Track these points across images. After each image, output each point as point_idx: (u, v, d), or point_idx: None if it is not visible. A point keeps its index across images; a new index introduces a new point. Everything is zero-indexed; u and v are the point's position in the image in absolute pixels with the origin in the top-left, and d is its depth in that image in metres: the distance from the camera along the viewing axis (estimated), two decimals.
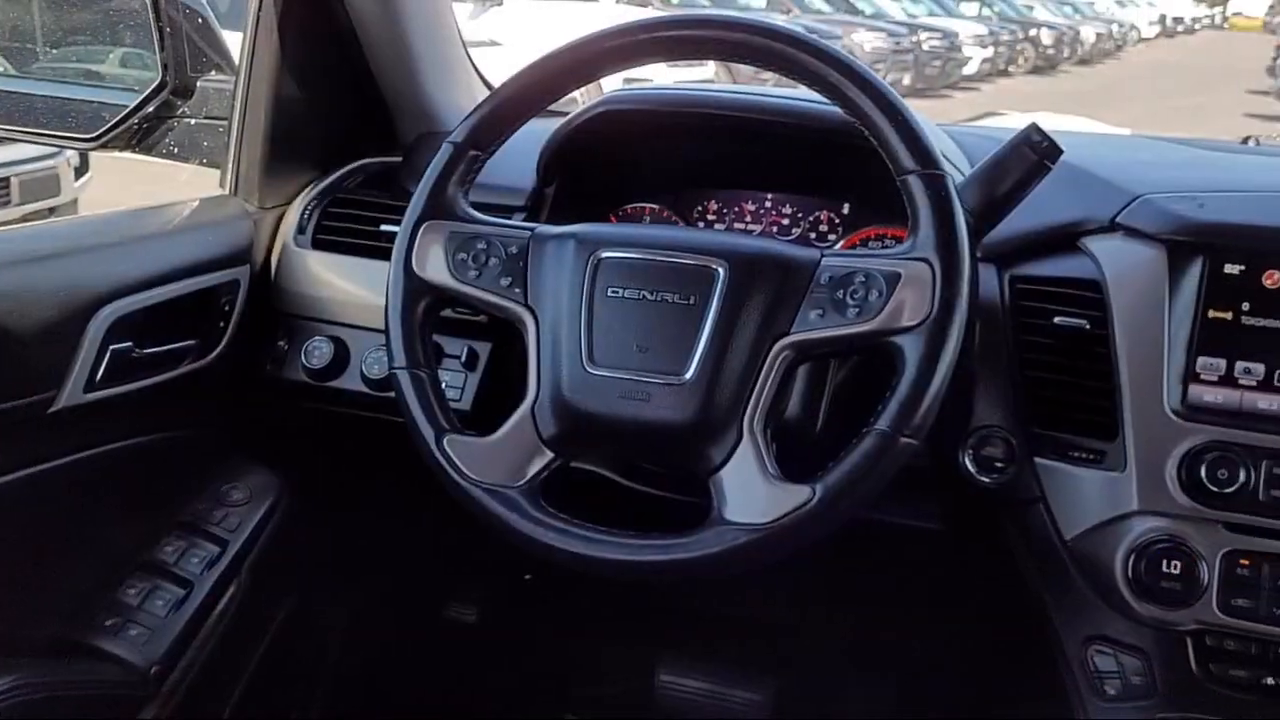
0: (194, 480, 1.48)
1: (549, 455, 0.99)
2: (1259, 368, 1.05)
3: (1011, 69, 16.71)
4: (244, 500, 1.48)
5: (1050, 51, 17.90)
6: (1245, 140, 1.48)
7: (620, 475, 1.31)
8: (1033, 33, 17.54)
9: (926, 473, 1.16)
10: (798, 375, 1.09)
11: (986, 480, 1.13)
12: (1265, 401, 1.05)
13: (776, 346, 0.96)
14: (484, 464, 0.99)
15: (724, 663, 1.76)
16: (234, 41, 1.50)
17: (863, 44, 12.57)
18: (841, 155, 1.12)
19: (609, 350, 0.99)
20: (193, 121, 1.60)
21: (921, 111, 1.09)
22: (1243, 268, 1.05)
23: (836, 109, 1.01)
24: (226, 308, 1.36)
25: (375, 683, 1.70)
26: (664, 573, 0.95)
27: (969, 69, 14.80)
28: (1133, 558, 1.04)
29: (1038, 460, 1.12)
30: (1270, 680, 1.02)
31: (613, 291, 1.00)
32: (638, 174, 1.39)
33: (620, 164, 1.35)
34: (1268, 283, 1.05)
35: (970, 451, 1.14)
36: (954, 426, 1.14)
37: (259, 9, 1.38)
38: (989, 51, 15.51)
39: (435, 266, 1.05)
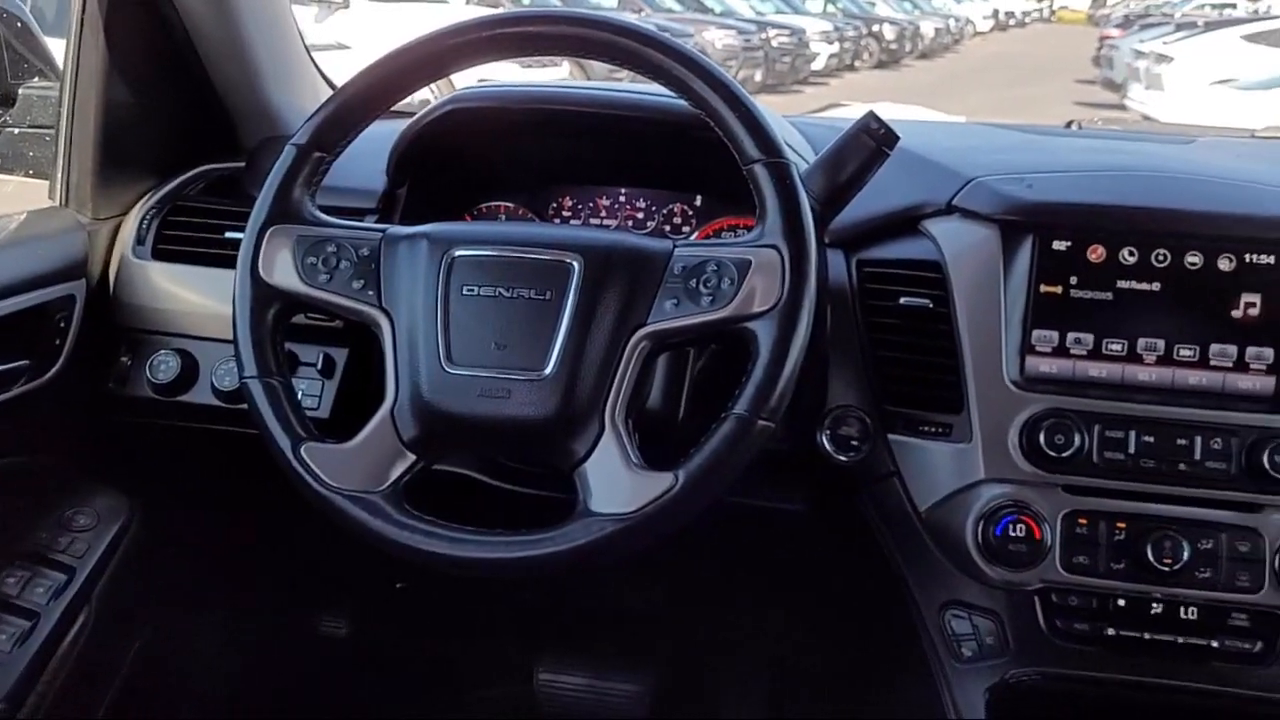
0: (36, 507, 1.41)
1: (411, 458, 0.98)
2: (1088, 337, 1.11)
3: (858, 64, 17.21)
4: (90, 525, 1.42)
5: (893, 46, 18.50)
6: (1069, 124, 1.56)
7: (486, 475, 1.30)
8: (876, 28, 18.08)
9: (788, 455, 1.19)
10: (658, 365, 1.10)
11: (844, 458, 1.16)
12: (1095, 369, 1.11)
13: (634, 337, 0.97)
14: (344, 470, 0.97)
15: (603, 657, 1.77)
16: (59, 48, 1.43)
17: (714, 42, 12.75)
18: (692, 148, 1.14)
19: (467, 349, 0.98)
20: (16, 131, 1.52)
21: (771, 106, 1.11)
22: (1069, 244, 1.11)
23: (684, 103, 1.03)
24: (62, 324, 1.30)
25: (243, 705, 1.65)
26: (533, 568, 0.95)
27: (817, 64, 15.18)
28: (982, 524, 1.09)
29: (891, 436, 1.16)
30: (1110, 631, 1.08)
31: (468, 290, 0.99)
32: (491, 173, 1.38)
33: (473, 163, 1.34)
34: (1092, 257, 1.11)
35: (828, 431, 1.17)
36: (811, 408, 1.17)
37: (83, 10, 1.32)
38: (835, 47, 15.94)
39: (284, 271, 1.02)
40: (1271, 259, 1.08)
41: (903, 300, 1.15)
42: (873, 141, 1.04)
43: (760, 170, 0.98)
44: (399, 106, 1.10)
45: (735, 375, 0.95)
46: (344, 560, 1.50)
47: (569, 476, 0.96)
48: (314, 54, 1.60)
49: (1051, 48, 21.58)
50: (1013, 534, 1.08)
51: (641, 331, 0.97)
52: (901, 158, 1.22)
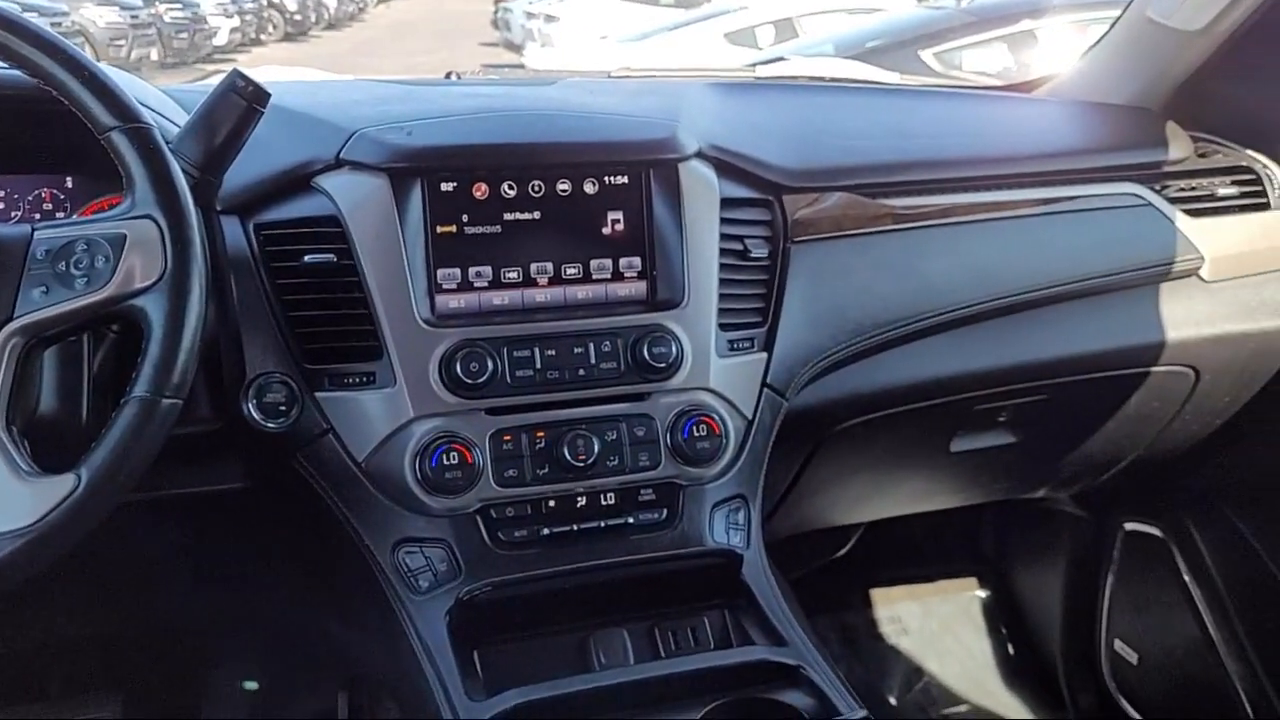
0: None
1: None
2: (487, 269, 1.19)
3: (264, 37, 16.67)
4: None
5: (298, 18, 18.14)
6: (448, 75, 1.64)
7: None
8: None
9: (219, 433, 1.15)
10: (45, 362, 1.00)
11: (274, 426, 1.14)
12: (498, 298, 1.19)
13: (1, 336, 0.88)
14: None
15: (58, 699, 1.59)
16: None
17: (96, 20, 11.62)
18: (49, 124, 1.04)
19: None
20: None
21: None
22: (455, 184, 1.17)
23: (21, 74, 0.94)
24: None
25: None
26: None
27: (219, 40, 14.47)
28: (418, 460, 1.14)
29: (319, 394, 1.16)
30: (546, 531, 1.18)
31: None
32: None
33: None
34: (478, 194, 1.18)
35: (253, 401, 1.14)
36: (232, 381, 1.14)
37: None
38: (236, 21, 15.28)
39: None
40: (626, 179, 1.23)
41: (306, 259, 1.15)
42: (243, 100, 1.02)
43: (119, 138, 0.93)
44: None
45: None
46: None
47: None
48: None
49: (454, 12, 22.41)
50: (447, 463, 1.14)
51: (9, 327, 0.89)
52: (285, 117, 1.22)
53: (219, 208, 1.13)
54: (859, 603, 2.23)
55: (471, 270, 1.19)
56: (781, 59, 2.48)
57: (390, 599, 1.14)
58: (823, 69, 2.14)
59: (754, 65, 2.06)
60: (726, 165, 1.31)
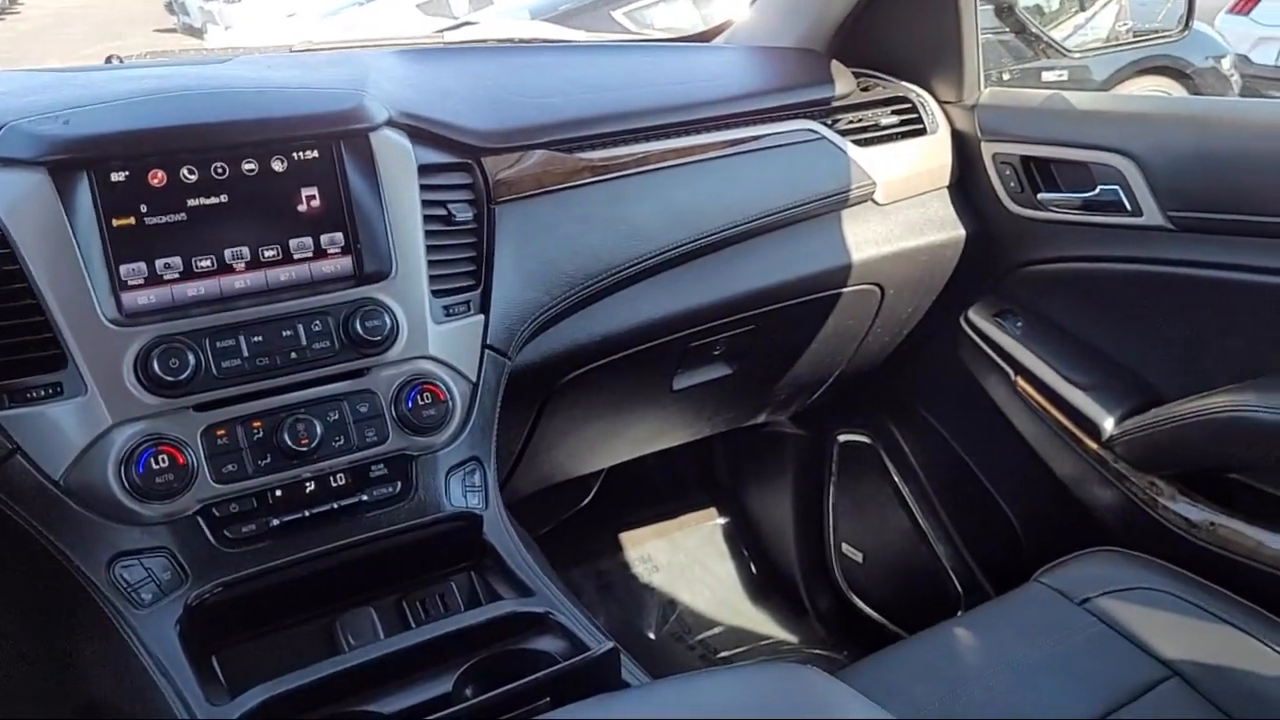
0: None
1: None
2: (177, 260, 1.12)
3: None
4: None
5: None
6: (108, 59, 1.53)
7: None
8: None
9: None
10: None
11: None
12: (192, 289, 1.13)
13: None
14: None
15: None
16: None
17: None
18: None
19: None
20: None
21: None
22: (128, 173, 1.10)
23: None
24: None
25: None
26: None
27: None
28: (123, 468, 1.07)
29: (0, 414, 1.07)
30: (275, 521, 1.14)
31: None
32: None
33: None
34: (155, 182, 1.11)
35: None
36: None
37: None
38: None
39: None
40: (316, 153, 1.19)
41: None
42: None
43: None
44: None
45: None
46: None
47: None
48: None
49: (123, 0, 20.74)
50: (156, 467, 1.08)
51: None
52: None
53: None
54: (610, 549, 2.30)
55: (159, 263, 1.12)
56: (470, 24, 2.48)
57: (112, 618, 1.08)
58: (512, 31, 2.16)
59: (443, 31, 2.04)
60: (421, 131, 1.30)
